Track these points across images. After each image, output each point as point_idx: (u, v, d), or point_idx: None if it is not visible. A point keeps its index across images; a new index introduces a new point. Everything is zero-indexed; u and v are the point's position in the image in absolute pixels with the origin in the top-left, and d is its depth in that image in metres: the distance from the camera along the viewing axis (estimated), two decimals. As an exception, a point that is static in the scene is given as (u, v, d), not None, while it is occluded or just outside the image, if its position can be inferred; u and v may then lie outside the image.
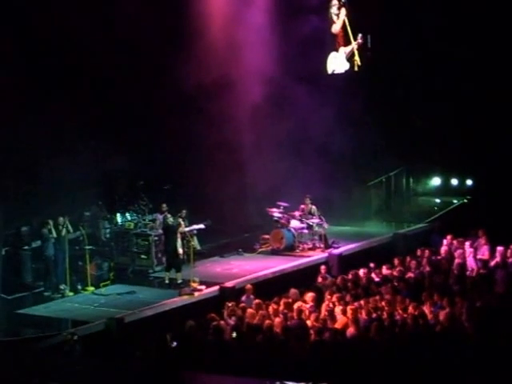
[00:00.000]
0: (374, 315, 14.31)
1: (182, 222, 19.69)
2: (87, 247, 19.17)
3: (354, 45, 25.32)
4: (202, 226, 20.50)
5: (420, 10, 23.99)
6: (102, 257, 20.18)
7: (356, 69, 25.46)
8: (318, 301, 15.54)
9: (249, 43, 22.43)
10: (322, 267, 18.61)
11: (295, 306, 14.85)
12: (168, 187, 22.28)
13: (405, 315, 14.16)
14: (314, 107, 23.21)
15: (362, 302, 15.06)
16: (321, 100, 23.10)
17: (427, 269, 18.07)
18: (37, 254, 19.28)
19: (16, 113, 18.56)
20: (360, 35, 25.14)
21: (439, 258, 19.17)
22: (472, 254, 18.69)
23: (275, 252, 21.69)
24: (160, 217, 20.34)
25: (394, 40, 24.42)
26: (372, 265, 18.24)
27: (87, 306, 17.64)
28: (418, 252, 19.12)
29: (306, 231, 22.02)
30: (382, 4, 24.02)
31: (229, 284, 18.37)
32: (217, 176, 22.51)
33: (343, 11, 25.42)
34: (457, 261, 18.65)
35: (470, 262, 18.54)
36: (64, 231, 18.73)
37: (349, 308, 14.32)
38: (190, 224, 20.32)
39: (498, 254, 18.40)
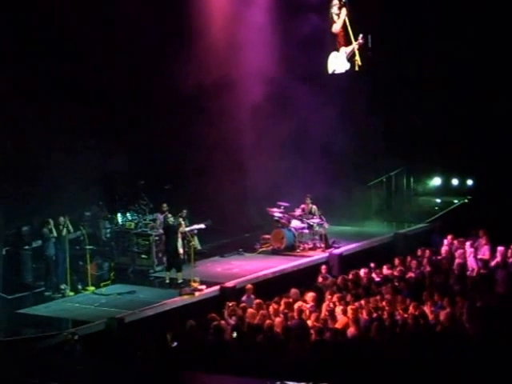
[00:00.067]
0: (375, 315, 14.31)
1: (183, 222, 19.70)
2: (88, 247, 19.16)
3: (354, 45, 25.32)
4: (202, 225, 20.50)
5: (420, 9, 23.99)
6: (102, 257, 20.18)
7: (357, 69, 25.46)
8: (319, 301, 15.54)
9: (249, 43, 22.42)
10: (323, 267, 18.61)
11: (296, 306, 14.85)
12: (168, 187, 22.27)
13: (405, 315, 14.15)
14: (314, 107, 23.22)
15: (362, 302, 15.06)
16: (321, 100, 23.10)
17: (428, 269, 18.07)
18: (37, 254, 19.29)
19: (16, 113, 18.55)
20: (361, 35, 25.14)
21: (440, 257, 19.17)
22: (472, 254, 18.69)
23: (276, 252, 21.69)
24: (161, 217, 20.34)
25: (395, 40, 24.41)
26: (372, 265, 18.24)
27: (88, 306, 17.63)
28: (419, 252, 19.12)
29: (306, 231, 22.02)
30: (382, 4, 24.02)
31: (229, 284, 18.37)
32: (217, 176, 22.51)
33: (344, 11, 25.43)
34: (457, 261, 18.66)
35: (471, 262, 18.54)
36: (64, 231, 18.73)
37: (349, 308, 14.32)
38: (191, 224, 20.33)
39: (498, 254, 18.39)
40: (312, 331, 13.33)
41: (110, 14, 20.22)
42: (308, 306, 15.09)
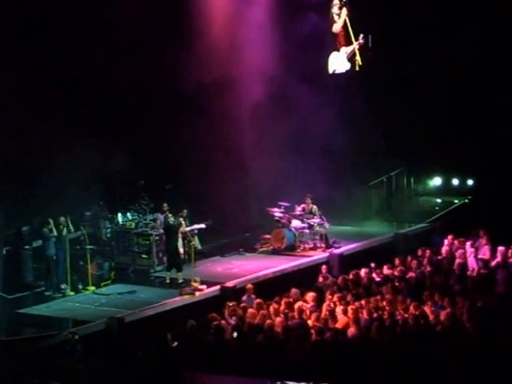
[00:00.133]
0: (375, 315, 14.30)
1: (183, 222, 19.70)
2: (88, 247, 19.17)
3: (355, 45, 25.31)
4: (202, 225, 20.51)
5: (420, 10, 23.98)
6: (102, 256, 20.19)
7: (357, 69, 25.45)
8: (319, 300, 15.53)
9: (250, 42, 22.41)
10: (323, 267, 18.61)
11: (296, 306, 14.84)
12: (169, 187, 22.28)
13: (406, 315, 14.15)
14: (315, 107, 23.23)
15: (362, 302, 15.05)
16: (322, 99, 23.11)
17: (428, 269, 18.06)
18: (38, 254, 19.29)
19: (16, 113, 18.54)
20: (361, 35, 25.13)
21: (440, 257, 19.16)
22: (473, 254, 18.68)
23: (276, 252, 21.69)
24: (161, 216, 20.34)
25: (395, 40, 24.40)
26: (373, 265, 18.23)
27: (88, 306, 17.63)
28: (419, 252, 19.11)
29: (306, 231, 22.01)
30: (383, 4, 24.01)
31: (230, 284, 18.37)
32: (218, 176, 22.51)
33: (344, 11, 25.42)
34: (458, 261, 18.65)
35: (471, 262, 18.53)
36: (65, 231, 18.73)
37: (350, 308, 14.32)
38: (191, 224, 20.33)
39: (498, 254, 18.38)
40: (312, 331, 13.33)
41: (110, 13, 20.21)
42: (308, 305, 15.08)
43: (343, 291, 16.19)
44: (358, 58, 25.35)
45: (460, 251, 18.91)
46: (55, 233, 18.59)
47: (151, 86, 21.51)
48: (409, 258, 18.70)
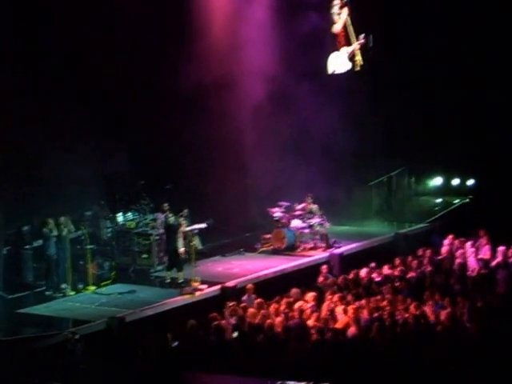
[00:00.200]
0: (376, 315, 14.30)
1: (184, 222, 19.67)
2: (88, 246, 19.16)
3: (355, 45, 25.29)
4: (203, 225, 20.48)
5: (421, 10, 23.98)
6: (103, 256, 20.18)
7: (358, 69, 25.42)
8: (319, 300, 15.53)
9: (250, 41, 22.39)
10: (323, 267, 18.61)
11: (296, 306, 14.85)
12: (169, 186, 22.27)
13: (406, 315, 14.15)
14: (315, 106, 23.21)
15: (363, 302, 15.06)
16: (322, 99, 23.10)
17: (428, 268, 18.06)
18: (38, 254, 19.27)
19: (16, 112, 18.54)
20: (362, 35, 25.12)
21: (440, 257, 19.18)
22: (473, 254, 18.70)
23: (276, 252, 21.68)
24: (161, 216, 20.31)
25: (396, 40, 24.40)
26: (373, 264, 18.24)
27: (88, 306, 17.62)
28: (420, 252, 19.12)
29: (307, 231, 22.00)
30: (383, 4, 24.00)
31: (230, 283, 18.36)
32: (218, 175, 22.50)
33: (345, 11, 25.39)
34: (458, 261, 18.66)
35: (472, 262, 18.54)
36: (65, 230, 18.72)
37: (350, 308, 14.32)
38: (192, 223, 20.32)
39: (499, 254, 18.40)
40: (312, 331, 13.33)
41: (110, 13, 20.20)
42: (309, 305, 15.08)
43: (343, 291, 16.20)
44: (358, 57, 25.32)
45: (460, 251, 18.93)
46: (55, 232, 18.59)
47: (151, 86, 21.50)
48: (409, 258, 18.71)
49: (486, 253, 18.85)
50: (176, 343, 13.44)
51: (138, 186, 21.96)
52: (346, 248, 21.53)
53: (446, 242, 19.67)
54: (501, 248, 18.42)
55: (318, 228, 21.94)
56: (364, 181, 25.36)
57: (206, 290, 18.11)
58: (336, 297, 15.42)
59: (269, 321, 13.93)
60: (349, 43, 25.44)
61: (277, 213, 22.06)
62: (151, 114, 21.87)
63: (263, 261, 20.95)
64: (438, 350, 12.16)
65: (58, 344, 14.85)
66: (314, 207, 22.08)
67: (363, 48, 25.23)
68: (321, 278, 17.96)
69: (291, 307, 14.89)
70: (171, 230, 19.27)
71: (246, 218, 23.50)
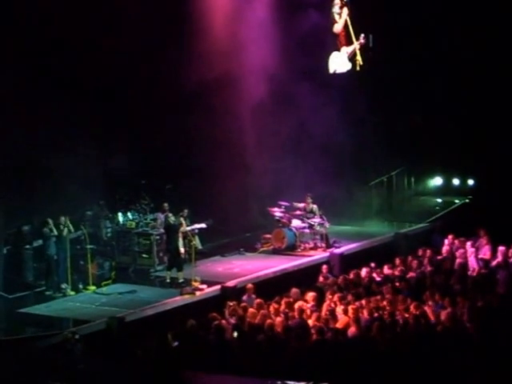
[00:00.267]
0: (376, 315, 14.30)
1: (184, 222, 19.71)
2: (89, 246, 19.17)
3: (356, 44, 25.29)
4: (203, 225, 20.50)
5: (421, 10, 23.97)
6: (103, 256, 20.19)
7: (358, 69, 25.43)
8: (320, 300, 15.53)
9: (251, 40, 22.38)
10: (324, 267, 18.62)
11: (296, 306, 14.84)
12: (170, 186, 22.28)
13: (406, 315, 14.15)
14: (316, 106, 23.21)
15: (363, 302, 15.06)
16: (323, 99, 23.09)
17: (428, 268, 18.07)
18: (38, 253, 19.28)
19: (16, 112, 18.54)
20: (362, 35, 25.12)
21: (441, 257, 19.18)
22: (473, 254, 18.69)
23: (277, 251, 21.68)
24: (162, 216, 20.33)
25: (396, 40, 24.40)
26: (373, 264, 18.24)
27: (88, 305, 17.63)
28: (420, 252, 19.13)
29: (307, 231, 22.00)
30: (383, 4, 24.00)
31: (230, 283, 18.36)
32: (218, 175, 22.48)
33: (345, 10, 25.39)
34: (458, 261, 18.67)
35: (472, 262, 18.54)
36: (65, 230, 18.72)
37: (350, 308, 14.31)
38: (192, 223, 20.32)
39: (499, 254, 18.38)
40: (313, 331, 13.32)
41: (111, 12, 20.18)
42: (309, 305, 15.08)
43: (344, 291, 16.19)
44: (358, 57, 25.33)
45: (460, 251, 18.92)
46: (55, 232, 18.60)
47: (152, 85, 21.50)
48: (409, 258, 18.71)
49: (486, 253, 18.85)
50: (176, 343, 13.43)
51: (138, 185, 21.95)
52: (346, 248, 21.53)
53: (446, 241, 19.67)
54: (501, 248, 18.41)
55: (318, 228, 21.94)
56: (364, 181, 25.37)
57: (206, 290, 18.11)
58: (336, 297, 15.41)
59: (269, 321, 13.92)
60: (349, 43, 25.45)
61: (277, 213, 22.07)
62: (151, 114, 21.86)
63: (263, 261, 20.95)
64: (438, 350, 12.14)
65: (57, 344, 14.85)
66: (314, 207, 22.08)
67: (363, 48, 25.23)
68: (321, 278, 17.97)
69: (291, 307, 14.88)
70: (171, 230, 19.28)
71: (247, 218, 23.50)
